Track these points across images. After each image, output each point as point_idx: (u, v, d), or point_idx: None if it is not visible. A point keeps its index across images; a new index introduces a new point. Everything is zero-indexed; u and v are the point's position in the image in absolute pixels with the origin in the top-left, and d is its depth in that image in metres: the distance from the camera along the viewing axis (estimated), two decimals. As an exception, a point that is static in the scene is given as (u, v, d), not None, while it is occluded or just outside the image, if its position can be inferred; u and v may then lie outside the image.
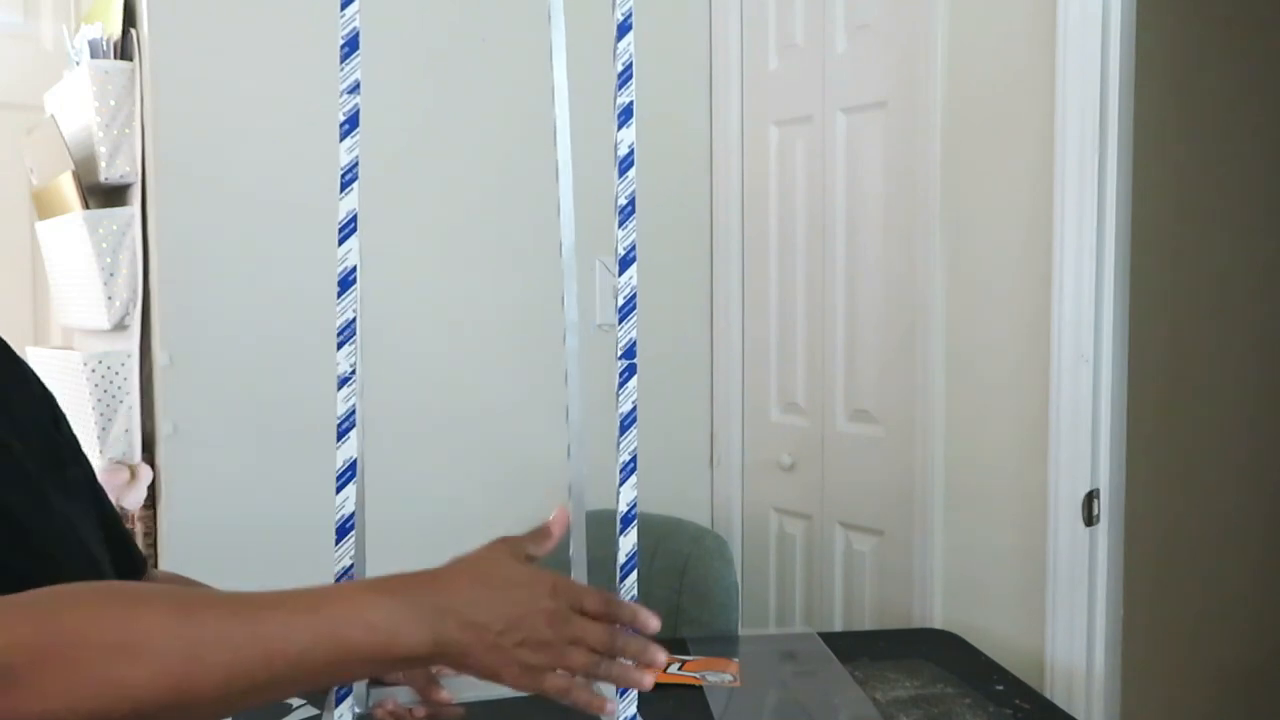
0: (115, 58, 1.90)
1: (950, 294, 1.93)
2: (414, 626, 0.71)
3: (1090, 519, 1.73)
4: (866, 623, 2.13)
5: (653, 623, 0.79)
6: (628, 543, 0.82)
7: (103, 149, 1.88)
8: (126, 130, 1.89)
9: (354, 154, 0.81)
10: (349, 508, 0.81)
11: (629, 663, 0.78)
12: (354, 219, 0.81)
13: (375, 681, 0.94)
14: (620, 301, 0.82)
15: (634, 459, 0.83)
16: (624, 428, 0.82)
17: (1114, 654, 1.79)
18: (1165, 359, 2.28)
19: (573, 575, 0.98)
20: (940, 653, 1.73)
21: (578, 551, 0.97)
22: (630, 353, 0.82)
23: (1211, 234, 2.41)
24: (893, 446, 2.06)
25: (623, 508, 0.82)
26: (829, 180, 2.17)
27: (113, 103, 1.88)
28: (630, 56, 0.80)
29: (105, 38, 1.90)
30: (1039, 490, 1.79)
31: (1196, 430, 2.40)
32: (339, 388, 0.81)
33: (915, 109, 1.97)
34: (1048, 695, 1.72)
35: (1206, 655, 2.44)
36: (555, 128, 0.93)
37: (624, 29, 0.81)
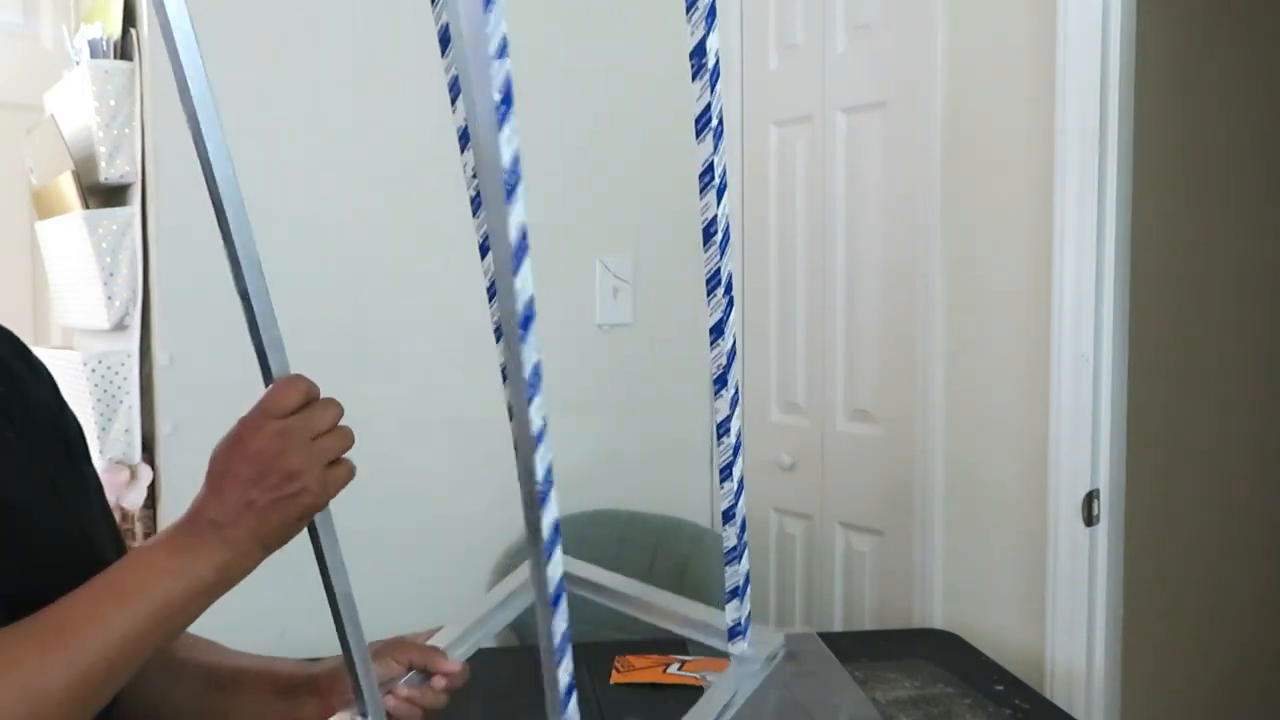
0: (115, 58, 1.90)
1: (950, 294, 1.93)
2: (200, 549, 0.73)
3: (1090, 519, 1.73)
4: (866, 623, 2.13)
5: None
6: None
7: (103, 149, 1.88)
8: (126, 130, 1.89)
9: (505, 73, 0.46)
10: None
11: None
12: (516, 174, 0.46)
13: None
14: (714, 372, 0.74)
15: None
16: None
17: (1114, 654, 1.79)
18: (1166, 358, 2.27)
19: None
20: (940, 653, 1.73)
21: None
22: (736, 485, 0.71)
23: (1212, 232, 2.40)
24: (893, 446, 2.06)
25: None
26: (829, 180, 2.17)
27: (113, 103, 1.88)
28: (719, 105, 0.64)
29: (105, 38, 1.90)
30: (1039, 490, 1.79)
31: (1196, 430, 2.40)
32: None
33: (915, 109, 1.96)
34: (1048, 695, 1.72)
35: (1206, 655, 2.43)
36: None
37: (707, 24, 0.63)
